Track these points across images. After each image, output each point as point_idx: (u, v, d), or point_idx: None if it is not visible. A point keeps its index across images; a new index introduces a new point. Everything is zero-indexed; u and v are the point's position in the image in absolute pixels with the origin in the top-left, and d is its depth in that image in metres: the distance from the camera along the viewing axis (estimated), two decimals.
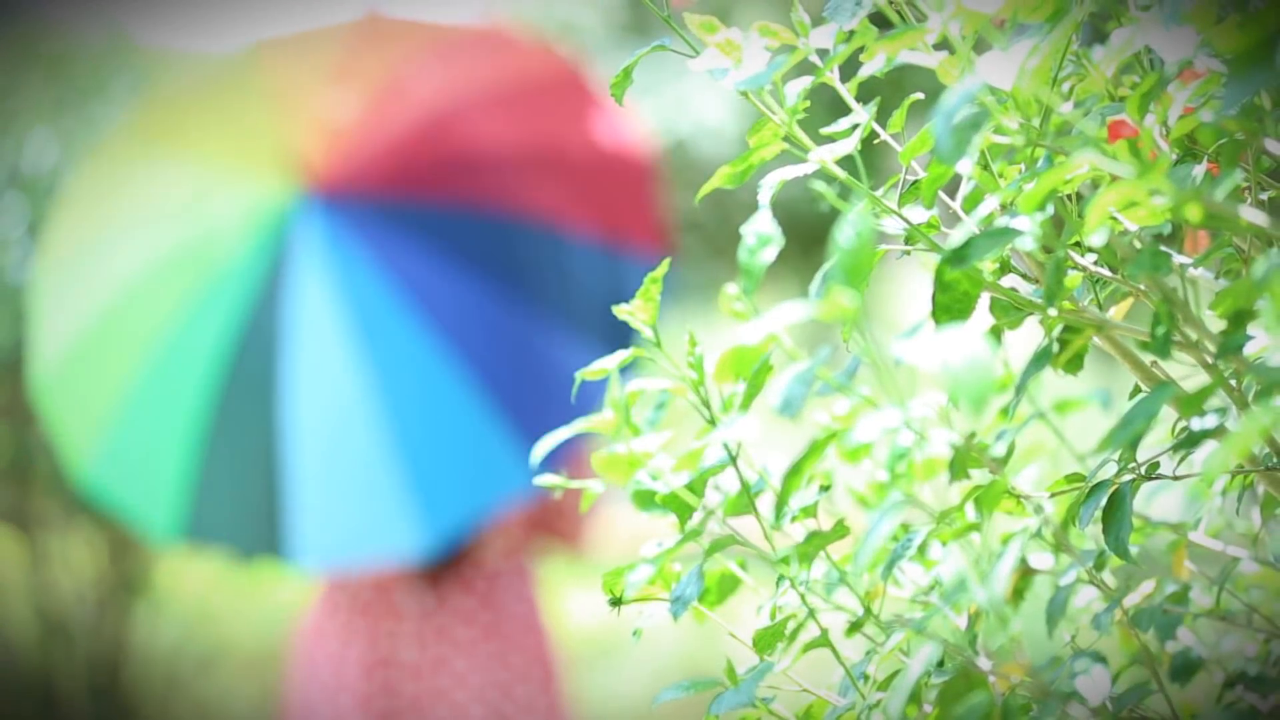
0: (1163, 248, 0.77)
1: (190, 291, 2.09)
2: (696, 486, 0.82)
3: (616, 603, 0.87)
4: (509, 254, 2.12)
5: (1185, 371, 0.77)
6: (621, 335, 2.08)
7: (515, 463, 2.04)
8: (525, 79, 2.28)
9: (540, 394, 2.10)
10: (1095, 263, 0.79)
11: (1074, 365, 0.75)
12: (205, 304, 2.08)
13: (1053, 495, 0.83)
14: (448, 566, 2.28)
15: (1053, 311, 0.75)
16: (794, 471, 0.77)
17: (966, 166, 0.77)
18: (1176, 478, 0.82)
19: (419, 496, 2.02)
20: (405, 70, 2.19)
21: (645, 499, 0.84)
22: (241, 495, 2.09)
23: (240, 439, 2.07)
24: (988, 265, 0.79)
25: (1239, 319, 0.70)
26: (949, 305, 0.74)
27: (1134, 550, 0.84)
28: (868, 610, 0.84)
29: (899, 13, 0.77)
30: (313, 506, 2.03)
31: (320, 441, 2.05)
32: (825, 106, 0.85)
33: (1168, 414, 0.85)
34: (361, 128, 2.13)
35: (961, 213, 0.81)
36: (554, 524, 2.36)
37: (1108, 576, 0.88)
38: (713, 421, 0.84)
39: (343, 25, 2.32)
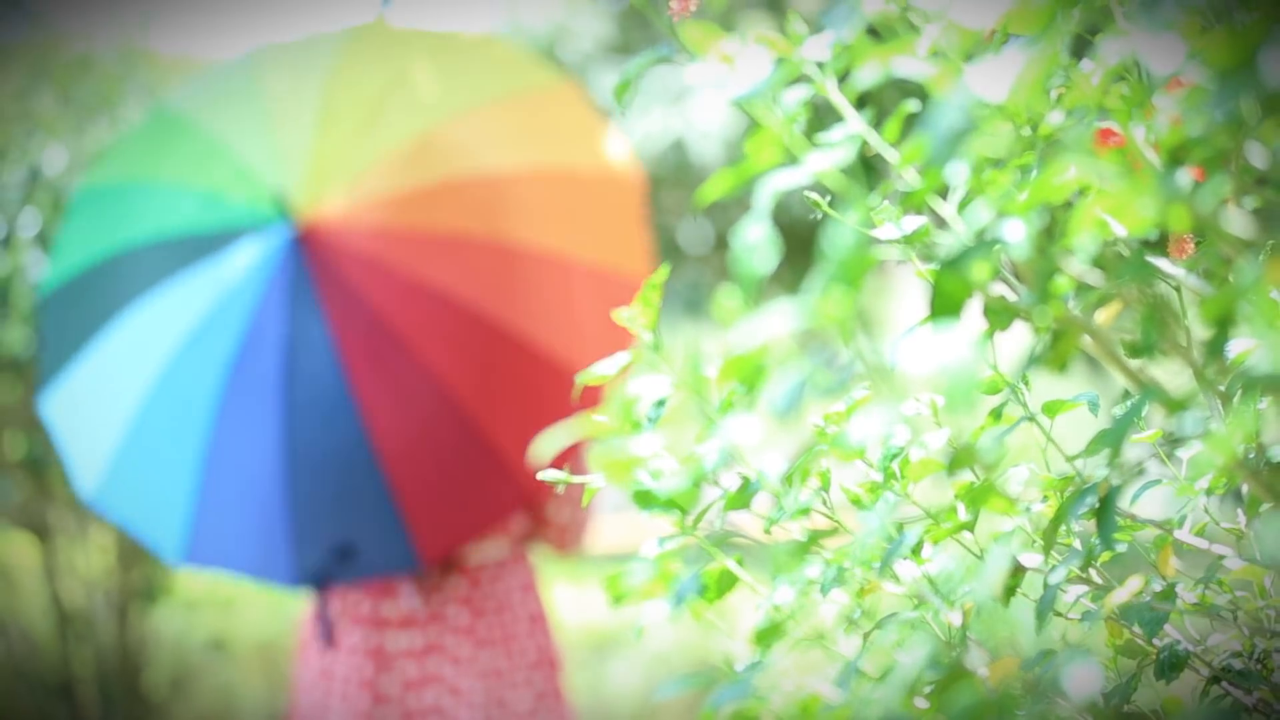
0: (1148, 255, 0.79)
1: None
2: (695, 487, 0.84)
3: (618, 601, 0.89)
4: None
5: (1171, 374, 0.79)
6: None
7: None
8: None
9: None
10: (1084, 267, 0.80)
11: (1061, 366, 0.77)
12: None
13: (1044, 495, 0.85)
14: (447, 560, 2.29)
15: (1042, 316, 0.77)
16: (793, 472, 0.79)
17: (960, 174, 0.78)
18: (1162, 481, 0.84)
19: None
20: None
21: (646, 498, 0.85)
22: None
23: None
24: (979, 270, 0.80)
25: (1224, 324, 0.72)
26: (942, 309, 0.76)
27: (1121, 548, 0.85)
28: (862, 607, 0.86)
29: (895, 23, 0.78)
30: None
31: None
32: (835, 113, 0.86)
33: (1155, 415, 0.86)
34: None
35: (955, 219, 0.83)
36: (544, 534, 2.37)
37: (1095, 577, 0.89)
38: (712, 422, 0.85)
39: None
